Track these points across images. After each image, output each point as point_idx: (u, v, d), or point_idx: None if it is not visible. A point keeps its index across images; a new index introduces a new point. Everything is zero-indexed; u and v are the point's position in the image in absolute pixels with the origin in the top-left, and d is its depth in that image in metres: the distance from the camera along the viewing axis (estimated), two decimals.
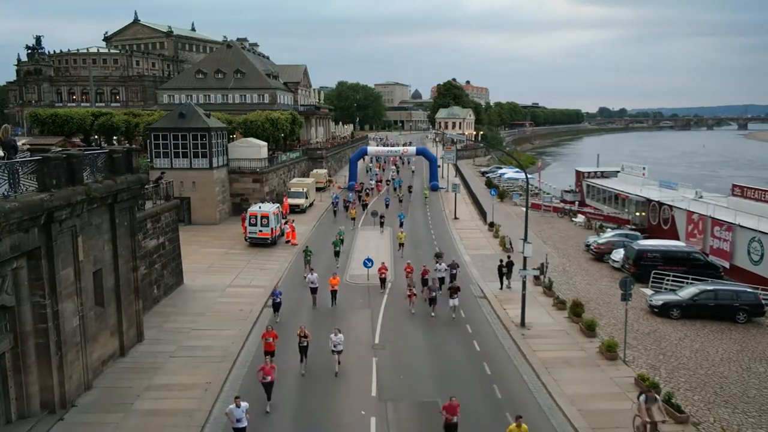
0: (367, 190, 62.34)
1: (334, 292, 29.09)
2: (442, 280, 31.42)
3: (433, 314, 27.69)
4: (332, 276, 29.86)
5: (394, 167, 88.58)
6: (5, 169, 15.94)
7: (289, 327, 24.77)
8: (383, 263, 32.61)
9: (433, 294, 28.18)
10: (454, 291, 27.96)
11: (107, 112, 70.82)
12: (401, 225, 46.17)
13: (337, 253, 36.94)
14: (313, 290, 29.09)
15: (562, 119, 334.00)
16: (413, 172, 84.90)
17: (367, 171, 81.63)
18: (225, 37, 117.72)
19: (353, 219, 49.15)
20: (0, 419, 16.44)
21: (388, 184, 69.30)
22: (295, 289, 31.53)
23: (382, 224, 47.13)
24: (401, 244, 39.71)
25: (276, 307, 27.20)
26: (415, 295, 28.36)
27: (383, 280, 31.81)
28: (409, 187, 67.04)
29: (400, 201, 59.60)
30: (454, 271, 32.15)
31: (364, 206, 55.54)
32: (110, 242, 21.81)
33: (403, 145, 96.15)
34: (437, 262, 32.66)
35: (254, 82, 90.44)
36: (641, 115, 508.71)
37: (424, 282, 30.13)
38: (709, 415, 18.96)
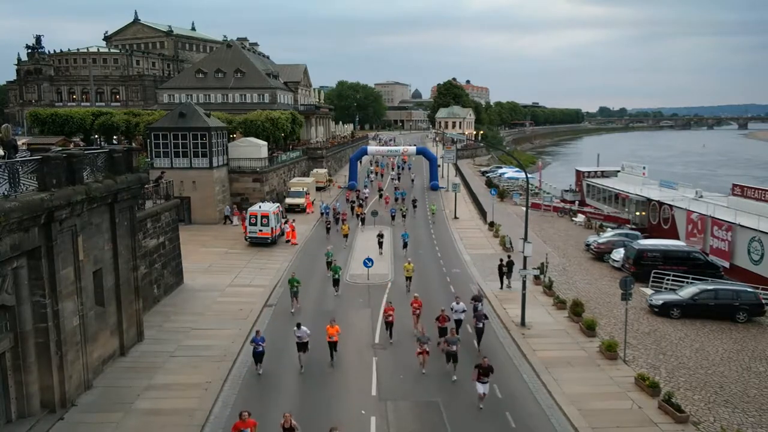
0: (361, 201, 55.28)
1: (333, 344, 22.25)
2: (459, 323, 24.82)
3: (455, 377, 20.92)
4: (329, 324, 22.39)
5: (393, 172, 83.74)
6: (5, 168, 15.93)
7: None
8: (390, 302, 25.86)
9: (453, 348, 21.03)
10: (484, 372, 18.65)
11: (107, 111, 70.89)
12: (405, 246, 39.31)
13: (336, 282, 30.87)
14: (302, 346, 21.64)
15: (562, 119, 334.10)
16: (413, 180, 78.11)
17: (368, 175, 76.73)
18: (225, 36, 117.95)
19: (346, 236, 43.08)
20: (0, 418, 16.44)
21: (395, 191, 63.97)
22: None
23: (381, 244, 39.97)
24: (408, 278, 31.57)
25: (258, 356, 21.38)
26: (428, 352, 21.43)
27: (390, 324, 24.45)
28: (414, 201, 57.26)
29: (404, 216, 51.06)
30: (481, 325, 23.60)
31: (362, 220, 49.53)
32: (110, 242, 21.82)
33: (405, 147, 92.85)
34: (457, 302, 25.20)
35: (254, 82, 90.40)
36: (641, 115, 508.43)
37: (442, 332, 23.02)
38: (709, 414, 18.96)
